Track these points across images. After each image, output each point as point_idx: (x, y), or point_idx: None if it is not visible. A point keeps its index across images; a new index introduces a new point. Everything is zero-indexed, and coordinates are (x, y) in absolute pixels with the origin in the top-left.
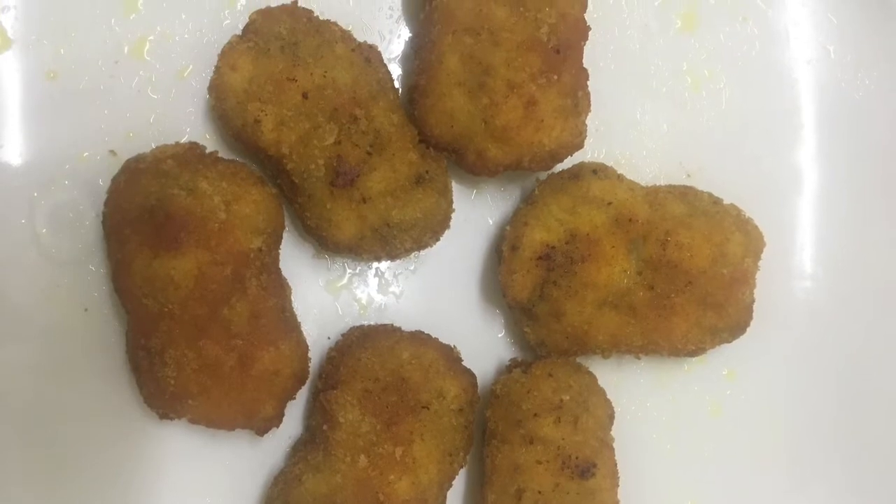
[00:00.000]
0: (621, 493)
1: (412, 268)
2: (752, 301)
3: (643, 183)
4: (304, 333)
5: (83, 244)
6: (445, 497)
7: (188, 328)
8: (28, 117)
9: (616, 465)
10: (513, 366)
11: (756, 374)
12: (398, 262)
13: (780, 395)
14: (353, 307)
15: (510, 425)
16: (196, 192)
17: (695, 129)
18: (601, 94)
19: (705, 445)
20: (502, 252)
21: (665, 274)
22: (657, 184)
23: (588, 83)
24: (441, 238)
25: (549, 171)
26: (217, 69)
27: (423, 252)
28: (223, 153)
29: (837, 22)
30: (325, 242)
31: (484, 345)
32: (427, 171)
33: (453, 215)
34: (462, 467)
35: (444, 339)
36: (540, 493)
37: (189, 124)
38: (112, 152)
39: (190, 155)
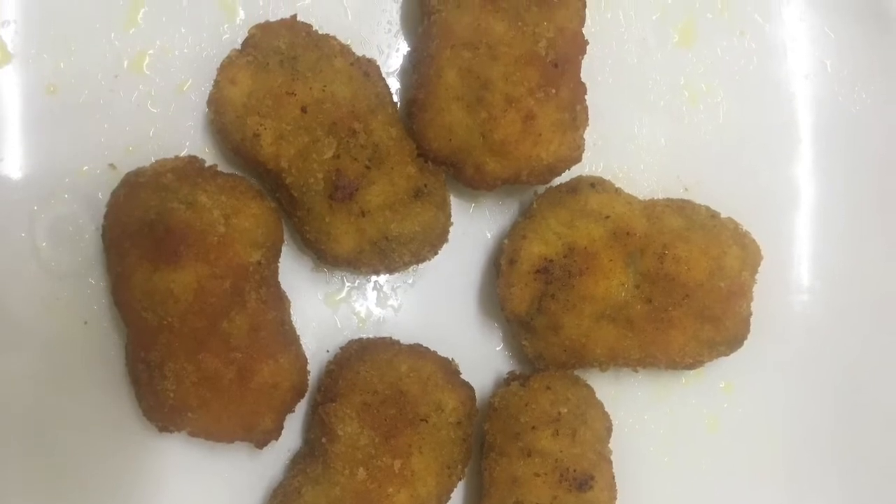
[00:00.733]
0: None
1: (410, 281)
2: (750, 314)
3: (641, 197)
4: (303, 346)
5: (83, 257)
6: None
7: (187, 341)
8: (28, 131)
9: (614, 477)
10: (511, 379)
11: (753, 387)
12: (397, 275)
13: (777, 408)
14: (352, 320)
15: (508, 438)
16: (195, 206)
17: (692, 142)
18: (599, 108)
19: (703, 458)
20: (500, 265)
21: (663, 287)
22: (655, 197)
23: (586, 97)
24: (439, 251)
25: (548, 185)
26: (216, 83)
27: (421, 265)
28: (222, 167)
29: (835, 36)
30: (324, 256)
31: (482, 358)
32: (425, 185)
33: (451, 229)
34: (460, 480)
35: (442, 353)
36: None
37: (188, 138)
38: (112, 166)
39: (189, 169)
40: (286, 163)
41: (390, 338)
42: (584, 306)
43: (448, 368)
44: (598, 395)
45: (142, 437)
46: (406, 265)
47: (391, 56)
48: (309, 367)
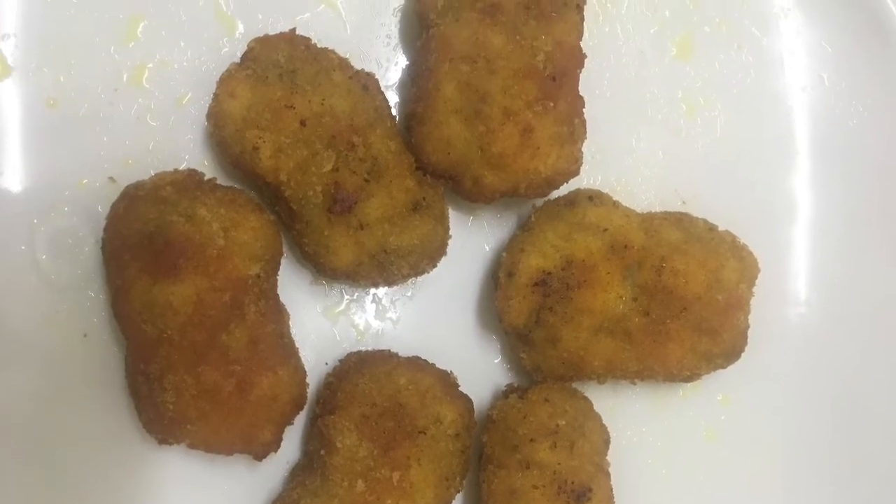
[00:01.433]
0: None
1: (409, 294)
2: (747, 327)
3: (639, 210)
4: (302, 359)
5: (82, 270)
6: None
7: (187, 354)
8: (28, 144)
9: (612, 490)
10: (509, 391)
11: (751, 399)
12: (395, 288)
13: (775, 420)
14: (351, 333)
15: (506, 450)
16: (195, 219)
17: (690, 155)
18: (597, 121)
19: (700, 470)
20: (499, 278)
21: (660, 300)
22: (652, 210)
23: (584, 110)
24: (438, 264)
25: (546, 198)
26: (215, 96)
27: (420, 278)
28: (221, 180)
29: (832, 50)
30: (323, 269)
31: (480, 370)
32: (424, 198)
33: (450, 242)
34: (458, 492)
35: (441, 365)
36: None
37: (188, 151)
38: (111, 179)
39: (189, 182)
40: (285, 176)
41: (389, 350)
42: (583, 319)
43: (447, 381)
44: (596, 408)
45: (141, 449)
46: (405, 278)
47: (390, 69)
48: (308, 380)
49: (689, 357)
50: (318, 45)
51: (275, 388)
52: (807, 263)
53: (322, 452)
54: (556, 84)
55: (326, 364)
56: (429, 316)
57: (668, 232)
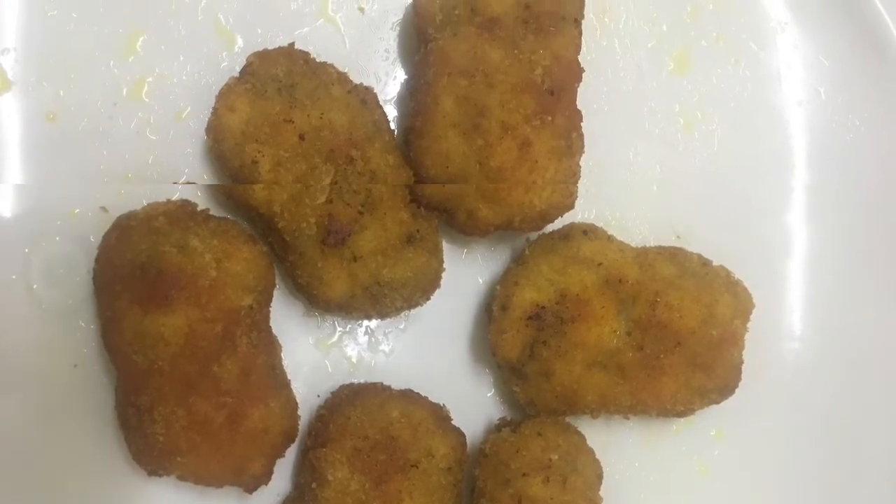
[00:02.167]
0: None
1: (402, 326)
2: (741, 362)
3: (633, 244)
4: (294, 391)
5: (73, 300)
6: None
7: (178, 385)
8: (27, 158)
9: None
10: (502, 425)
11: (745, 435)
12: (389, 320)
13: (768, 456)
14: (344, 365)
15: (499, 484)
16: (187, 250)
17: (687, 170)
18: (595, 135)
19: None
20: (492, 312)
21: (654, 334)
22: (647, 245)
23: (581, 124)
24: (431, 297)
25: (540, 232)
26: (215, 111)
27: (413, 311)
28: (214, 211)
29: (829, 65)
30: (316, 300)
31: (473, 404)
32: (418, 231)
33: (444, 275)
34: None
35: (433, 398)
36: None
37: (187, 165)
38: (103, 209)
39: (181, 212)
40: (278, 207)
41: (381, 383)
42: (576, 353)
43: (439, 414)
44: (590, 442)
45: (131, 480)
46: (398, 310)
47: (388, 84)
48: (299, 412)
49: (682, 392)
50: (317, 60)
51: (266, 420)
52: (802, 299)
53: (313, 485)
54: (553, 98)
55: (318, 396)
56: (422, 349)
57: (663, 266)
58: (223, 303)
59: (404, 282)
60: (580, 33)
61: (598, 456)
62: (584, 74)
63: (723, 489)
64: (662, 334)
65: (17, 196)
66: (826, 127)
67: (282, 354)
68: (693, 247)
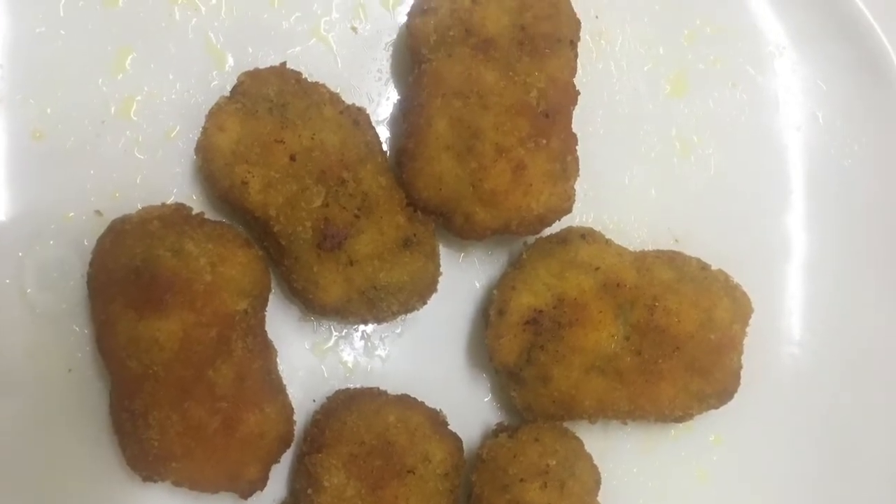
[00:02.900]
0: None
1: (399, 331)
2: (740, 367)
3: (631, 248)
4: (290, 396)
5: (67, 304)
6: None
7: (172, 390)
8: (14, 176)
9: None
10: (499, 430)
11: (743, 440)
12: (385, 325)
13: (767, 461)
14: (339, 370)
15: (496, 490)
16: (182, 254)
17: (684, 194)
18: (590, 158)
19: None
20: (489, 316)
21: (652, 339)
22: (645, 249)
23: (577, 147)
24: (428, 301)
25: (537, 236)
26: (204, 130)
27: (409, 315)
28: (210, 214)
29: (827, 89)
30: (312, 305)
31: (470, 409)
32: (415, 235)
33: (440, 279)
34: None
35: (430, 403)
36: None
37: (176, 185)
38: (98, 212)
39: (176, 216)
40: (274, 211)
41: (377, 388)
42: (574, 358)
43: (436, 419)
44: (587, 448)
45: (125, 486)
46: (394, 315)
47: (381, 104)
48: (295, 417)
49: (681, 397)
50: (309, 80)
51: (261, 425)
52: (800, 303)
53: (309, 491)
54: (549, 121)
55: (314, 401)
56: (418, 353)
57: (661, 271)
58: (218, 307)
59: (401, 286)
60: (576, 55)
61: (596, 461)
62: (579, 97)
63: (722, 495)
64: (661, 339)
65: (11, 200)
66: (824, 152)
67: (277, 359)
68: (691, 251)
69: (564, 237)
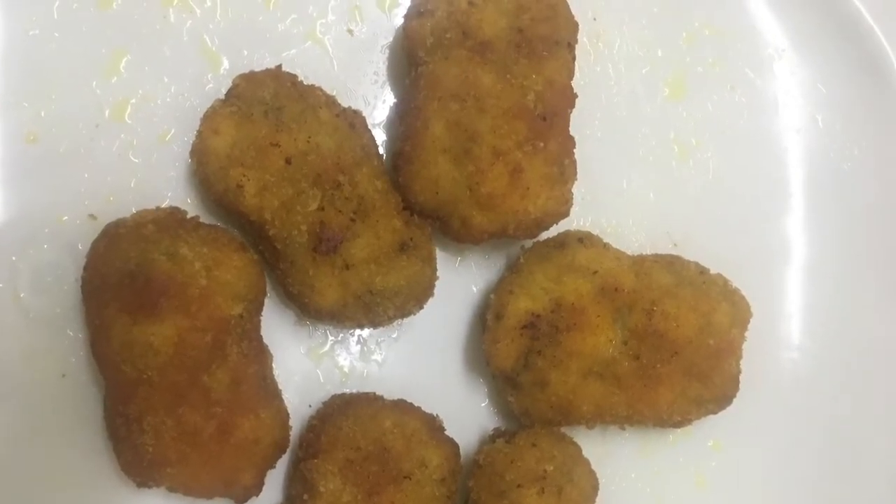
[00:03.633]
0: None
1: (395, 335)
2: (739, 372)
3: (629, 252)
4: (285, 401)
5: (61, 308)
6: None
7: (167, 395)
8: (7, 180)
9: None
10: (496, 435)
11: (742, 445)
12: (381, 329)
13: (766, 466)
14: (335, 375)
15: (493, 496)
16: (177, 258)
17: (682, 198)
18: (588, 161)
19: None
20: (486, 320)
21: (651, 344)
22: (643, 253)
23: (574, 151)
24: (425, 306)
25: (535, 240)
26: (199, 133)
27: (406, 320)
28: (205, 218)
29: (826, 92)
30: (307, 309)
31: (467, 414)
32: (411, 239)
33: (437, 283)
34: None
35: (426, 408)
36: None
37: (170, 189)
38: (92, 216)
39: (171, 220)
40: (269, 214)
41: (374, 393)
42: (572, 362)
43: (432, 424)
44: (585, 453)
45: (120, 492)
46: (391, 319)
47: (377, 107)
48: (291, 423)
49: (679, 402)
50: (305, 82)
51: (257, 430)
52: (800, 308)
53: (305, 497)
54: (546, 124)
55: (310, 406)
56: (415, 358)
57: (660, 275)
58: (213, 311)
59: (397, 290)
60: (573, 58)
61: (593, 467)
62: (577, 100)
63: (720, 501)
64: (659, 343)
65: (5, 203)
66: (824, 155)
67: (273, 364)
68: (690, 255)
69: (562, 241)
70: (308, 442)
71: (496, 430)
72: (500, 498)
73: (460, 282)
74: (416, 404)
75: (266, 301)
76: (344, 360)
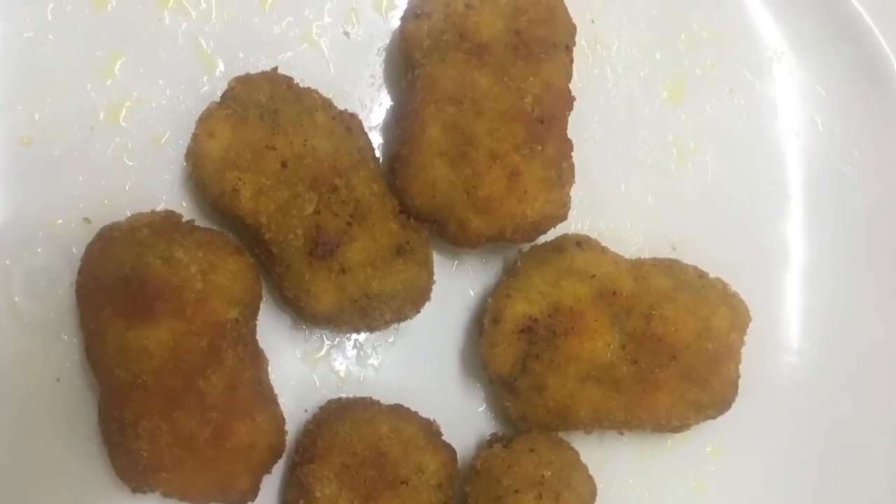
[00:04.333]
0: None
1: (391, 340)
2: (738, 376)
3: (628, 255)
4: (281, 406)
5: (56, 313)
6: None
7: (162, 399)
8: (1, 183)
9: None
10: (493, 440)
11: (741, 450)
12: (377, 333)
13: (765, 471)
14: (332, 379)
15: (490, 501)
16: (172, 262)
17: (680, 200)
18: (586, 164)
19: None
20: (484, 324)
21: (649, 348)
22: (642, 256)
23: (572, 154)
24: (421, 310)
25: (532, 243)
26: (194, 136)
27: (402, 324)
28: (200, 222)
29: (826, 94)
30: (303, 313)
31: (464, 419)
32: (408, 242)
33: (434, 287)
34: None
35: (423, 413)
36: None
37: (165, 192)
38: (86, 220)
39: (166, 223)
40: (265, 218)
41: (370, 398)
42: (569, 367)
43: (429, 429)
44: (583, 458)
45: (115, 497)
46: (387, 323)
47: (374, 110)
48: (287, 427)
49: (678, 407)
50: (301, 85)
51: (252, 435)
52: (799, 311)
53: (301, 502)
54: (543, 127)
55: (306, 411)
56: (411, 363)
57: (658, 279)
58: (209, 315)
59: (394, 294)
60: (571, 61)
61: (591, 472)
62: (575, 103)
63: None
64: (657, 348)
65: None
66: (823, 158)
67: (269, 368)
68: (689, 258)
69: (560, 245)
70: (304, 447)
71: (493, 435)
72: (498, 503)
73: (457, 286)
74: (412, 409)
75: (262, 305)
76: (340, 364)
